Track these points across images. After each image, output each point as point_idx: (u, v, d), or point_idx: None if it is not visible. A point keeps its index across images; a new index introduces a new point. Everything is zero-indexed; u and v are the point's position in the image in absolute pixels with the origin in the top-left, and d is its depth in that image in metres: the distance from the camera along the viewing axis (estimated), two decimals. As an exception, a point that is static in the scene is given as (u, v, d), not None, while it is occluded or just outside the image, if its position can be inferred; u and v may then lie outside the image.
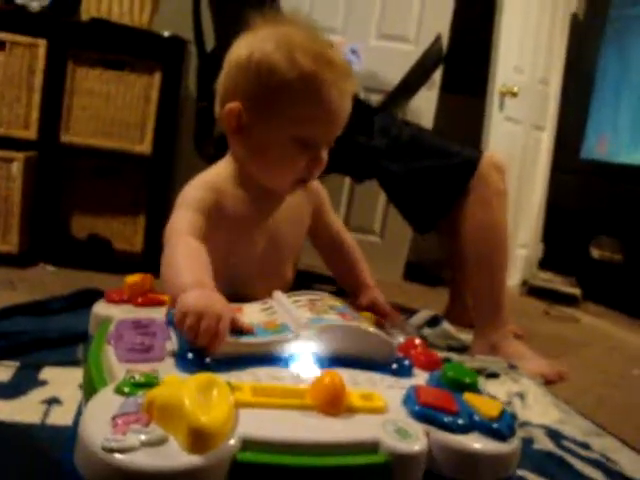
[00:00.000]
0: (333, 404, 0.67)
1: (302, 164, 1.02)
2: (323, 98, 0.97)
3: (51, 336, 1.33)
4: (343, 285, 1.28)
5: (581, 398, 1.51)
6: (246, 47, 0.99)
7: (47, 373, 1.18)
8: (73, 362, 1.22)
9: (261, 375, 0.73)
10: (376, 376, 0.79)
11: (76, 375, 1.09)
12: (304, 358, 0.77)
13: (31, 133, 2.01)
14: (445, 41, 2.40)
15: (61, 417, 1.01)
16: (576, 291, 2.84)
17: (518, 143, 2.98)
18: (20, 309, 1.48)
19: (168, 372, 0.70)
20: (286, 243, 1.13)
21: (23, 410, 1.02)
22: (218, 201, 1.00)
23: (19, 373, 1.16)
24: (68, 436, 0.79)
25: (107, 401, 0.63)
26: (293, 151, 1.00)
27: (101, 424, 0.59)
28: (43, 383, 1.13)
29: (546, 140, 3.23)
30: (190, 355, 0.73)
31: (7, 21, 1.99)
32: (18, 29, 1.97)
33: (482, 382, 1.41)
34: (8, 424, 0.96)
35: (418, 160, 1.76)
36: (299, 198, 1.13)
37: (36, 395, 1.08)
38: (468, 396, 0.74)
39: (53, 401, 1.06)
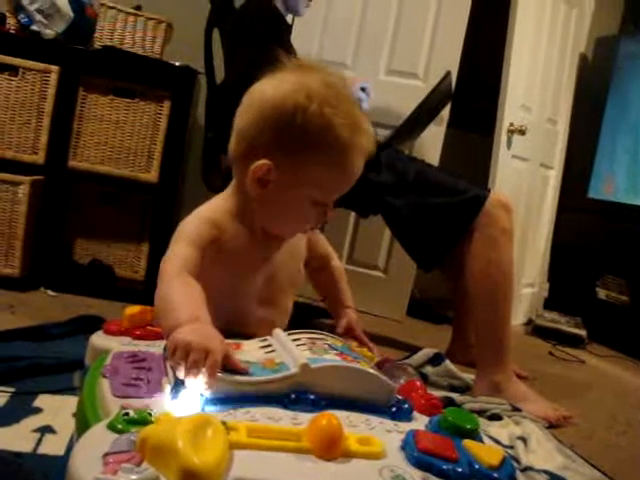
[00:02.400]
0: (330, 448, 0.65)
1: (312, 218, 1.05)
2: (352, 168, 1.00)
3: (48, 363, 1.32)
4: (324, 301, 1.34)
5: (586, 443, 1.49)
6: (283, 98, 0.96)
7: (42, 400, 1.16)
8: (69, 390, 1.21)
9: (257, 415, 0.71)
10: (374, 419, 0.77)
11: (71, 403, 1.07)
12: (302, 399, 0.75)
13: (39, 157, 2.02)
14: (454, 78, 2.41)
15: (53, 446, 0.99)
16: (582, 332, 2.81)
17: (525, 181, 2.98)
18: (18, 334, 1.47)
19: (163, 409, 0.69)
20: (285, 276, 1.13)
21: (15, 438, 1.00)
22: (217, 236, 1.00)
23: (13, 400, 1.15)
24: (58, 468, 0.78)
25: (99, 437, 0.62)
26: (308, 208, 1.03)
27: (92, 461, 0.57)
28: (37, 411, 1.12)
29: (553, 179, 3.23)
30: (186, 392, 0.71)
31: (21, 47, 2.02)
32: (31, 55, 2.00)
33: (484, 424, 1.39)
34: (-2, 452, 0.95)
35: (424, 197, 1.76)
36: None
37: (29, 423, 1.07)
38: (468, 443, 0.72)
39: (46, 430, 1.05)
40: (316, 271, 1.29)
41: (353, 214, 2.69)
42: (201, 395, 0.71)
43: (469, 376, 1.72)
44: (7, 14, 2.11)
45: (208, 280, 0.93)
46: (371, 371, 0.82)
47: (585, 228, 3.21)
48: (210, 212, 1.03)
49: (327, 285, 1.31)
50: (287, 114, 0.96)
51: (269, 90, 0.99)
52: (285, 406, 0.75)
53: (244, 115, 1.01)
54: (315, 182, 0.99)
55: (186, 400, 0.71)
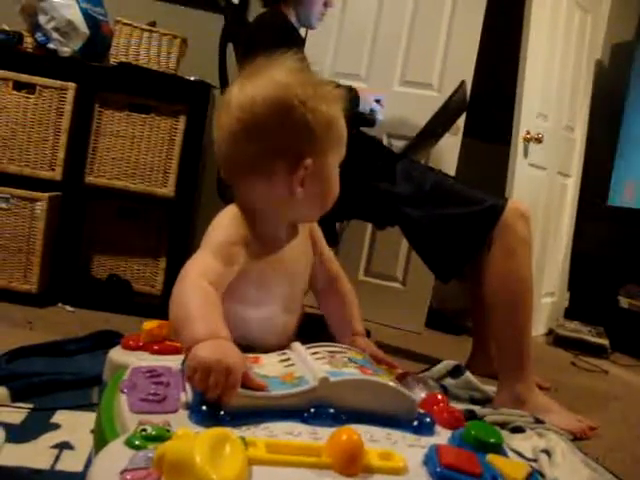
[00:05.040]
0: (350, 463, 0.64)
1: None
2: (341, 120, 1.05)
3: (66, 379, 1.33)
4: (331, 327, 1.21)
5: (612, 456, 1.45)
6: (277, 99, 0.97)
7: (60, 416, 1.17)
8: (87, 406, 1.21)
9: (276, 430, 0.70)
10: (396, 433, 0.75)
11: (89, 419, 1.06)
12: (321, 413, 0.74)
13: (56, 174, 2.04)
14: (469, 87, 2.40)
15: (72, 463, 1.00)
16: (604, 341, 2.77)
17: (543, 190, 2.95)
18: (36, 350, 1.48)
19: (181, 425, 0.68)
20: (303, 280, 1.12)
21: (33, 454, 1.01)
22: (243, 249, 0.97)
23: (31, 416, 1.15)
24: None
25: (117, 454, 0.61)
26: (336, 171, 1.05)
27: (109, 478, 0.56)
28: (55, 427, 1.13)
29: (572, 187, 3.20)
30: (204, 408, 0.70)
31: (38, 65, 2.05)
32: (48, 73, 2.03)
33: (506, 436, 1.36)
34: (16, 469, 0.94)
35: (441, 207, 1.75)
36: (302, 230, 1.11)
37: (47, 439, 1.07)
38: (492, 457, 0.70)
39: (64, 446, 1.05)
40: (323, 293, 1.21)
41: (370, 226, 2.67)
42: (220, 411, 0.70)
43: (490, 388, 1.69)
44: (24, 33, 2.14)
45: (233, 289, 0.93)
46: (392, 384, 0.80)
47: (605, 236, 3.17)
48: (236, 222, 1.00)
49: (332, 310, 1.20)
50: (295, 112, 0.97)
51: (256, 99, 0.97)
52: (304, 421, 0.73)
53: (243, 134, 0.98)
54: (337, 152, 1.04)
55: (204, 416, 0.70)
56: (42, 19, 2.08)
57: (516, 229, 1.67)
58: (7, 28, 2.13)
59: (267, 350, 0.92)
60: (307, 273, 1.13)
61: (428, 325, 2.68)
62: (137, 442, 0.63)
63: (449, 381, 1.69)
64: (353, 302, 1.20)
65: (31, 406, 1.19)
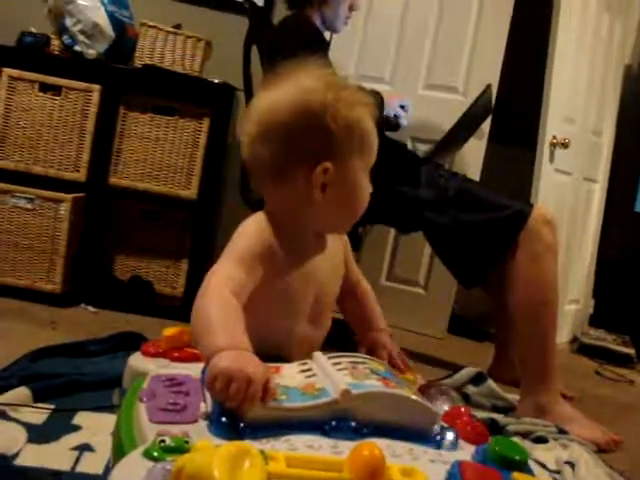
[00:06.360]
0: (372, 479, 0.63)
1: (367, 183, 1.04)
2: (368, 124, 1.03)
3: (87, 380, 1.33)
4: (352, 325, 1.21)
5: (638, 469, 1.42)
6: (300, 103, 0.96)
7: (81, 418, 1.17)
8: (108, 407, 1.21)
9: (297, 443, 0.69)
10: (418, 448, 0.74)
11: (110, 421, 1.06)
12: (343, 426, 0.73)
13: (81, 175, 2.06)
14: (495, 91, 2.37)
15: (92, 465, 1.00)
16: (630, 350, 2.72)
17: (569, 195, 2.90)
18: (58, 350, 1.49)
19: (200, 436, 0.67)
20: (331, 293, 1.10)
21: (54, 456, 1.01)
22: (268, 259, 0.96)
23: (53, 417, 1.16)
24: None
25: (135, 466, 0.60)
26: (365, 179, 1.03)
27: (127, 493, 0.56)
28: (76, 428, 1.13)
29: (598, 192, 3.14)
30: (224, 419, 0.70)
31: (64, 67, 2.07)
32: (74, 75, 2.05)
33: (529, 446, 1.34)
34: (36, 470, 0.95)
35: (465, 213, 1.73)
36: (335, 245, 1.10)
37: (68, 441, 1.07)
38: (517, 476, 0.68)
39: (85, 448, 1.06)
40: (342, 296, 1.18)
41: (392, 230, 2.65)
42: (240, 422, 0.70)
43: (513, 396, 1.67)
44: (51, 36, 2.16)
45: (255, 300, 0.91)
46: (414, 397, 0.79)
47: (632, 243, 3.12)
48: (262, 231, 0.98)
49: (352, 309, 1.20)
50: (314, 116, 0.96)
51: (277, 103, 0.97)
52: (325, 433, 0.72)
53: (262, 137, 0.98)
54: (363, 157, 1.01)
55: (224, 428, 0.69)
56: (69, 22, 2.09)
57: (542, 235, 1.64)
58: (34, 31, 2.15)
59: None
60: (337, 288, 1.11)
61: (450, 330, 2.65)
62: (155, 454, 0.62)
63: (471, 389, 1.67)
64: (373, 300, 1.20)
65: (52, 407, 1.19)
